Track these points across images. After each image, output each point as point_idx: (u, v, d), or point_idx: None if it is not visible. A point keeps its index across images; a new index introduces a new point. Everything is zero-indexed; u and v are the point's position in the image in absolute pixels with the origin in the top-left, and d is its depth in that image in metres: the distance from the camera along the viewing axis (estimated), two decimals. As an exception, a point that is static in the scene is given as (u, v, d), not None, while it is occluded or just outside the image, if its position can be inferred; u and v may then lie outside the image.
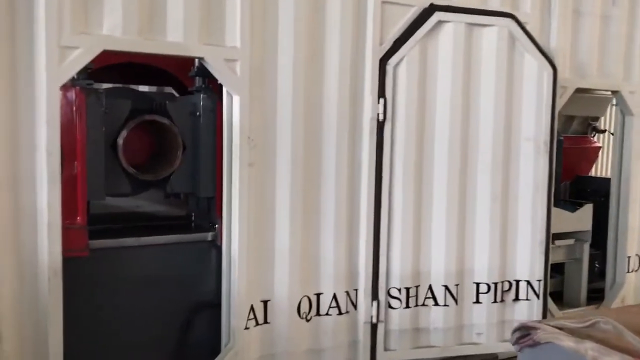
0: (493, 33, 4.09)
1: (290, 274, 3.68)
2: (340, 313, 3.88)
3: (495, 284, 4.23)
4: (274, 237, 3.64)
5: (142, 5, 3.14)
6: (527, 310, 4.31)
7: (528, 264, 4.30)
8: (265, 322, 3.66)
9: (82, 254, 3.19)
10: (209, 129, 3.60)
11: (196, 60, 3.62)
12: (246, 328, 3.53)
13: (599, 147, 6.67)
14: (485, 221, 4.17)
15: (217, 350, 3.55)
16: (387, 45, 3.88)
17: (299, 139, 3.65)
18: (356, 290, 3.95)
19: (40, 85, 2.94)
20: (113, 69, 3.87)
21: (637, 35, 4.91)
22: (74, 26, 2.98)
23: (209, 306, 3.61)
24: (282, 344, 3.70)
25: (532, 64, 4.20)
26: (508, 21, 4.11)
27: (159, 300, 3.51)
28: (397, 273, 4.00)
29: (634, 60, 4.91)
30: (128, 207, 4.12)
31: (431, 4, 3.94)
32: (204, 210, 3.78)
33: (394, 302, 4.01)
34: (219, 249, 3.58)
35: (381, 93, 3.87)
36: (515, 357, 2.45)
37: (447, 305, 4.13)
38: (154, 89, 4.86)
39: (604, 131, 6.60)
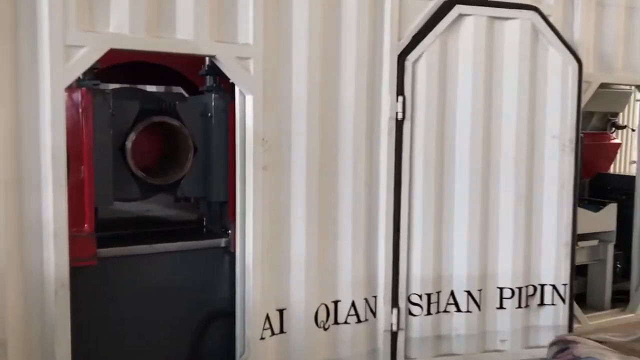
0: (516, 26, 3.95)
1: (306, 281, 3.57)
2: (359, 321, 3.77)
3: (520, 288, 4.10)
4: (289, 242, 3.53)
5: (150, 1, 3.02)
6: (553, 315, 4.19)
7: (553, 267, 4.17)
8: (282, 331, 3.55)
9: (89, 263, 3.10)
10: (221, 130, 3.49)
11: (206, 58, 3.52)
12: (262, 338, 3.43)
13: (619, 144, 6.54)
14: (508, 223, 4.04)
15: (231, 362, 3.45)
16: (406, 40, 3.76)
17: (315, 140, 3.53)
18: (375, 297, 3.84)
19: (44, 87, 2.83)
20: (119, 69, 3.77)
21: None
22: (79, 24, 2.86)
23: (223, 315, 3.52)
24: (299, 355, 3.59)
25: (556, 58, 4.06)
26: (531, 14, 3.97)
27: (170, 310, 3.41)
28: (417, 278, 3.89)
29: (661, 53, 4.76)
30: (137, 211, 4.01)
31: (451, -3, 3.82)
32: (215, 215, 3.69)
33: (414, 309, 3.90)
34: (232, 256, 3.47)
35: (400, 91, 3.75)
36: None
37: (470, 312, 4.01)
38: (162, 89, 4.78)
39: (624, 127, 6.46)
